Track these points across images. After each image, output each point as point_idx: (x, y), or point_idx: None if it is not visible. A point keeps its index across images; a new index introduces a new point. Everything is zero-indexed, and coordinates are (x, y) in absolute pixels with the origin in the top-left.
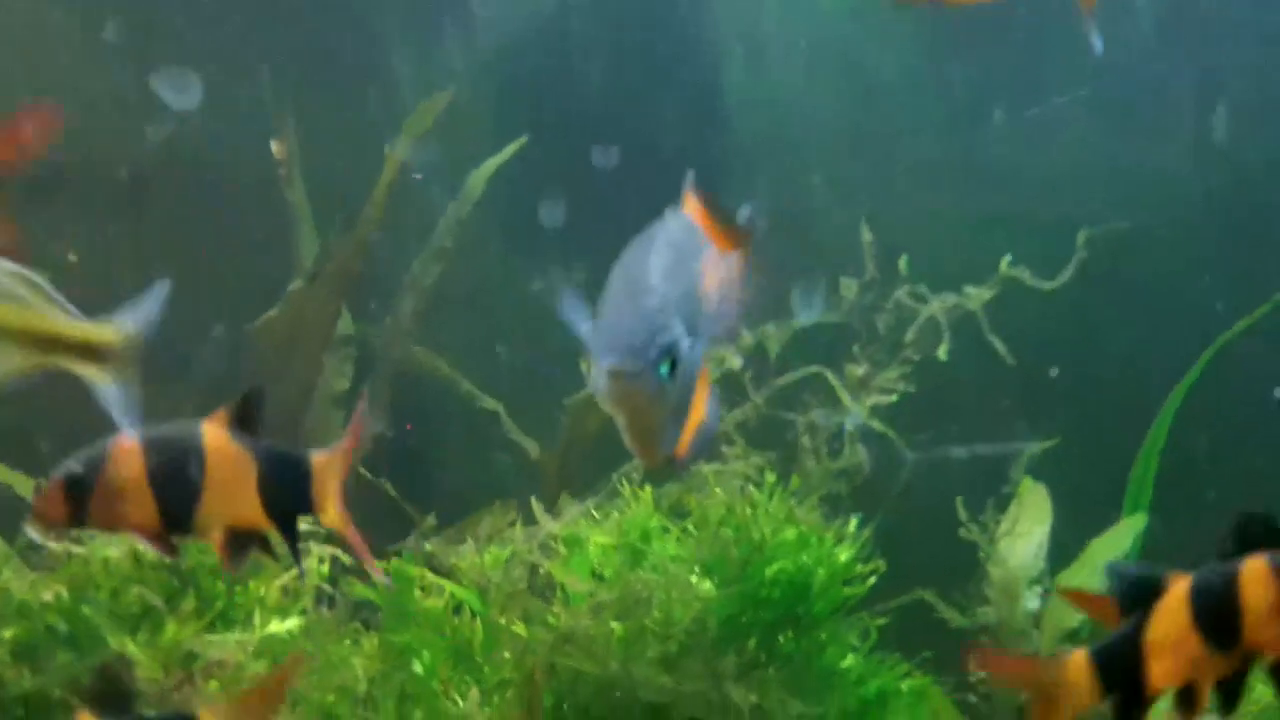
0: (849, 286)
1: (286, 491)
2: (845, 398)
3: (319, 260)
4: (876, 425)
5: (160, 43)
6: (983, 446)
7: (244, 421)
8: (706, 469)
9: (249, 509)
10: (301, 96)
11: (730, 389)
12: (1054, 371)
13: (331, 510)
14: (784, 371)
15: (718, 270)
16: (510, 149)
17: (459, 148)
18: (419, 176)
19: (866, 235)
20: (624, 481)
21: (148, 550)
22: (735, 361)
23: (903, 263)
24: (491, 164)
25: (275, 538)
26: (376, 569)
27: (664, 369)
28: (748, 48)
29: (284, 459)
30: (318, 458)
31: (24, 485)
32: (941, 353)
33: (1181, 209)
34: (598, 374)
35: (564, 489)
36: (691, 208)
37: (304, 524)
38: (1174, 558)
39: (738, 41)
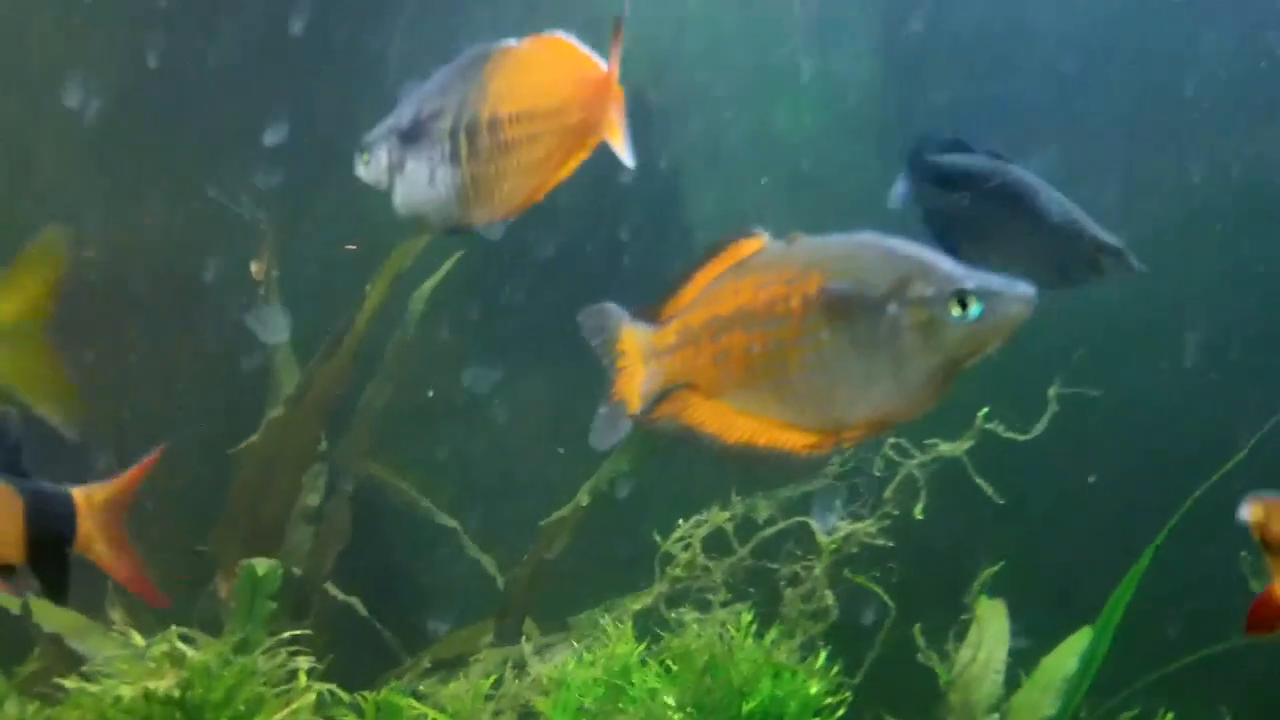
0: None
1: (51, 527)
2: (824, 541)
3: (300, 386)
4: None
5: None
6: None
7: None
8: (689, 617)
9: (11, 544)
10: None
11: (719, 541)
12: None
13: (98, 547)
14: (771, 523)
15: None
16: (447, 265)
17: None
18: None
19: None
20: (605, 614)
21: (158, 687)
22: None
23: None
24: (429, 285)
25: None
26: (161, 600)
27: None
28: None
29: (48, 494)
30: (80, 493)
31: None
32: (918, 512)
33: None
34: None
35: (531, 609)
36: None
37: (303, 660)
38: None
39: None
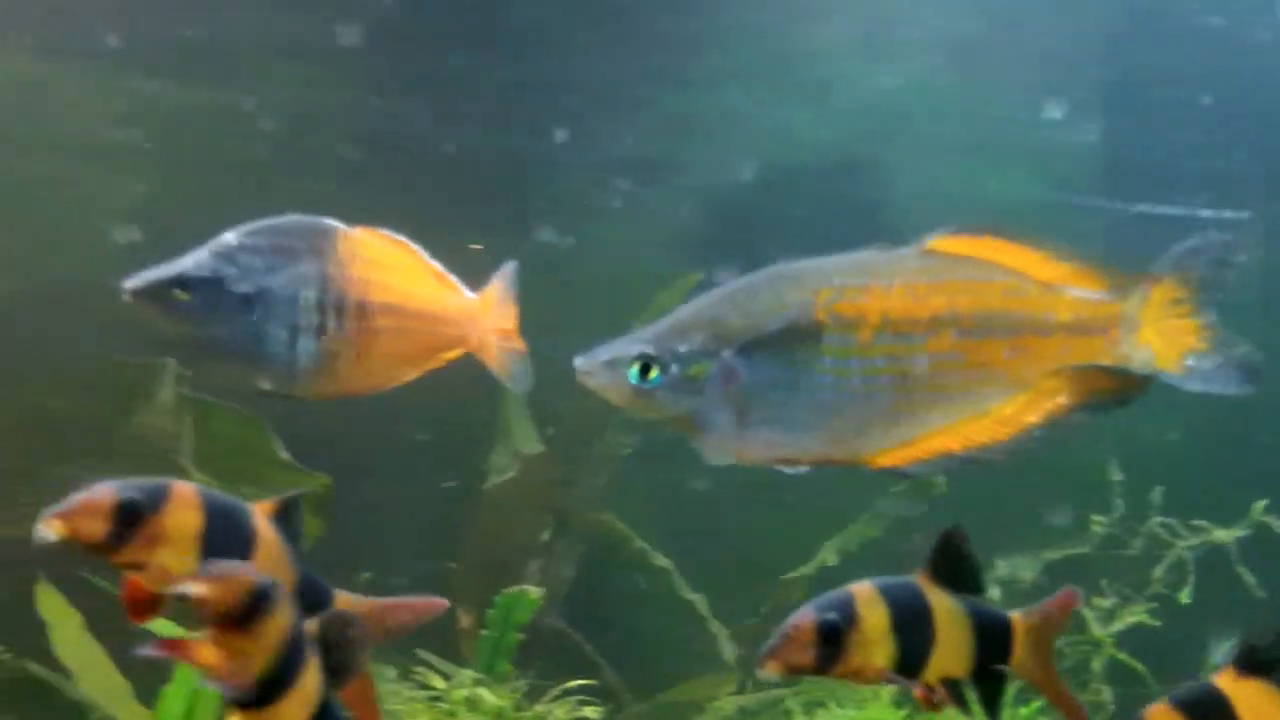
0: (1098, 520)
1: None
2: (1094, 628)
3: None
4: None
5: None
6: None
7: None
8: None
9: (961, 657)
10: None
11: None
12: None
13: (1029, 665)
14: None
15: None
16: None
17: None
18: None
19: (1116, 473)
20: None
21: None
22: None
23: (1157, 494)
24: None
25: None
26: None
27: (631, 373)
28: None
29: (992, 615)
30: (1016, 616)
31: None
32: (1184, 596)
33: None
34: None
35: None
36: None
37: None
38: None
39: None
